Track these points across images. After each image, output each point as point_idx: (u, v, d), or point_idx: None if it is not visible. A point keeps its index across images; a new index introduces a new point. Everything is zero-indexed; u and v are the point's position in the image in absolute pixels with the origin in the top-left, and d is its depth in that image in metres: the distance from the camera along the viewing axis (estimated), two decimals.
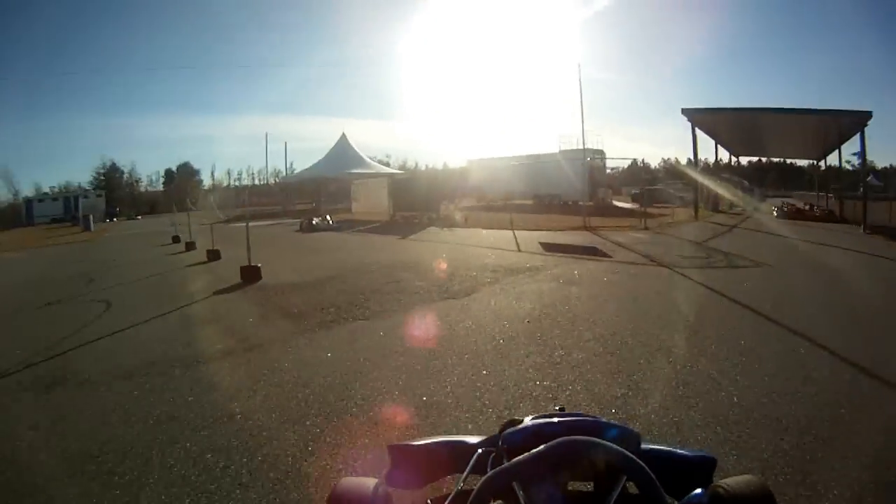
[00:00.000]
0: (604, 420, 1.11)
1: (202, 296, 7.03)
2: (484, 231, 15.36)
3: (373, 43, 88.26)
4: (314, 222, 18.74)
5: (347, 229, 17.53)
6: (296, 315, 5.52)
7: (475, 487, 0.84)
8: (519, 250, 10.31)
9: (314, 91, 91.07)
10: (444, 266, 8.40)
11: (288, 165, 45.96)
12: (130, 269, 10.42)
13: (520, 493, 0.81)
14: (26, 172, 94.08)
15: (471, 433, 1.69)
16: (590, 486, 0.98)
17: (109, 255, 13.70)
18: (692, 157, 24.58)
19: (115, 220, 42.87)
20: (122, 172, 67.24)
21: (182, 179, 65.97)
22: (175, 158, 74.29)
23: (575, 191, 24.50)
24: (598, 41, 71.68)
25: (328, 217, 19.91)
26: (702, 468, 1.15)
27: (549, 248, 10.55)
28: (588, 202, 20.47)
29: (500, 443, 1.03)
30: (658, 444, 1.30)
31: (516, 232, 14.17)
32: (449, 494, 0.97)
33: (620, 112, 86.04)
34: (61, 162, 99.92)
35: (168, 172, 69.15)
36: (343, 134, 33.72)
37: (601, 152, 27.27)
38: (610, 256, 9.32)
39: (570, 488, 1.01)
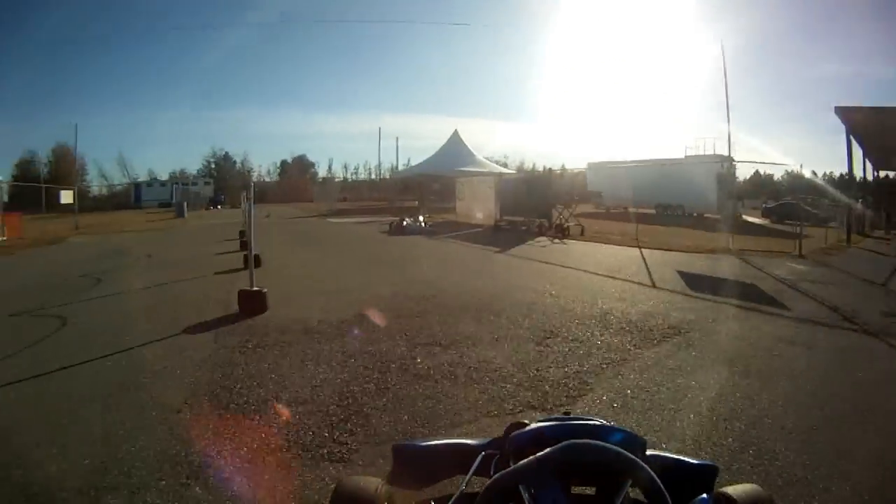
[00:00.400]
0: (609, 424, 1.04)
1: (153, 337, 4.94)
2: (604, 247, 13.13)
3: (493, 41, 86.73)
4: (405, 223, 17.59)
5: (441, 234, 16.33)
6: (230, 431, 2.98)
7: (481, 489, 0.83)
8: (654, 285, 7.89)
9: (431, 90, 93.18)
10: (541, 310, 6.02)
11: (405, 162, 46.79)
12: (149, 271, 9.64)
13: (526, 496, 0.80)
14: (143, 158, 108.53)
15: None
16: (591, 491, 0.94)
17: (160, 248, 13.58)
18: (847, 169, 20.75)
19: (218, 207, 44.79)
20: (234, 162, 70.13)
21: (295, 170, 69.06)
22: (290, 152, 78.38)
23: (702, 202, 21.44)
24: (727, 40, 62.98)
25: (421, 219, 18.75)
26: (704, 475, 1.14)
27: (693, 282, 8.13)
28: (715, 215, 18.27)
29: (505, 445, 1.02)
30: (661, 451, 1.25)
31: (644, 251, 11.85)
32: (452, 496, 0.96)
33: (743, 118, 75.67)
34: (179, 150, 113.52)
35: (283, 164, 72.70)
36: (455, 131, 33.06)
37: (729, 159, 23.60)
38: (786, 308, 6.59)
39: (573, 491, 0.95)
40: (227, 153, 69.66)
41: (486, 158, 34.72)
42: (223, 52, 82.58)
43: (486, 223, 19.44)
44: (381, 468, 2.48)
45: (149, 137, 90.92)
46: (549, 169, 18.07)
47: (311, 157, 73.35)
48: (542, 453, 0.81)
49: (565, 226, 15.89)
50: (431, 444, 1.35)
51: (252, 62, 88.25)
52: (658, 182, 22.97)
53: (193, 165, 67.27)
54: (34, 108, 78.86)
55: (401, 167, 43.46)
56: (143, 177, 57.17)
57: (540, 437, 0.95)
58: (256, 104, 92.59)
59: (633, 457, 0.81)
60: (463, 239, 14.95)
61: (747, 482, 1.00)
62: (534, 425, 1.03)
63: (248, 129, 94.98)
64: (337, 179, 65.08)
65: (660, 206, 23.70)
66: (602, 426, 1.01)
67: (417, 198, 31.73)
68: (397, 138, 72.74)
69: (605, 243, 13.88)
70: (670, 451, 1.33)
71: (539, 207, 17.42)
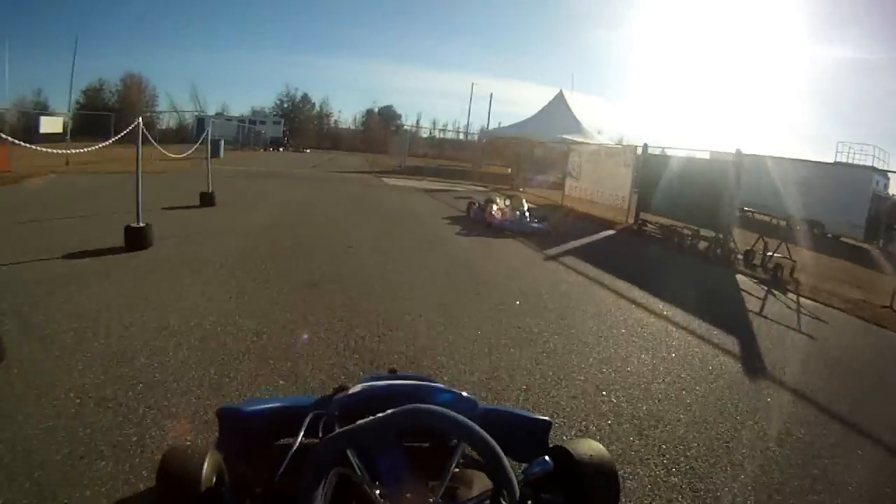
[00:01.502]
0: (438, 385, 1.04)
1: None
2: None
3: (601, 9, 73.94)
4: (496, 211, 9.78)
5: (562, 241, 8.97)
6: None
7: (312, 452, 0.81)
8: None
9: (529, 56, 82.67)
10: None
11: (497, 125, 39.90)
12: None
13: (354, 460, 0.82)
14: (219, 95, 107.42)
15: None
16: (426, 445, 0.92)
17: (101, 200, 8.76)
18: None
19: (279, 150, 41.69)
20: (312, 104, 66.40)
21: (379, 121, 64.24)
22: (375, 103, 74.73)
23: (845, 222, 15.24)
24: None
25: (525, 205, 10.28)
26: (538, 429, 1.20)
27: None
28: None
29: (331, 408, 1.00)
30: (496, 405, 1.35)
31: None
32: (284, 460, 0.96)
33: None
34: (257, 91, 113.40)
35: (369, 113, 68.56)
36: (560, 92, 25.22)
37: (883, 174, 15.90)
38: None
39: (405, 444, 0.94)
40: (305, 94, 65.63)
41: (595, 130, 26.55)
42: None
43: (616, 220, 12.27)
44: None
45: (228, 76, 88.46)
46: (738, 151, 9.79)
47: (399, 110, 68.74)
48: (384, 415, 0.76)
49: (773, 262, 8.38)
50: (258, 409, 1.23)
51: (343, 7, 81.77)
52: (799, 188, 14.91)
53: (270, 105, 64.65)
54: (111, 38, 76.77)
55: (487, 126, 36.42)
56: (217, 109, 55.61)
57: (367, 401, 0.92)
58: (345, 52, 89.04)
59: (470, 424, 0.79)
60: (595, 263, 7.36)
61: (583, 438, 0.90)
62: (359, 386, 1.00)
63: (334, 76, 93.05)
64: (421, 133, 59.23)
65: (790, 218, 15.28)
66: (432, 387, 0.98)
67: (511, 165, 24.70)
68: (491, 94, 64.30)
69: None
70: (505, 406, 1.40)
71: (709, 212, 9.90)
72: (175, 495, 0.91)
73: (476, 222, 10.06)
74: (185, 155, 9.93)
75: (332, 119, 70.14)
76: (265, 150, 39.94)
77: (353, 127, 67.77)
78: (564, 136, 19.93)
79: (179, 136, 44.64)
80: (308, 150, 44.92)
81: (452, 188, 18.00)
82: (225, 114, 53.44)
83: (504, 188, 18.62)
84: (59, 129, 18.41)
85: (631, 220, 12.05)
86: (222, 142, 23.42)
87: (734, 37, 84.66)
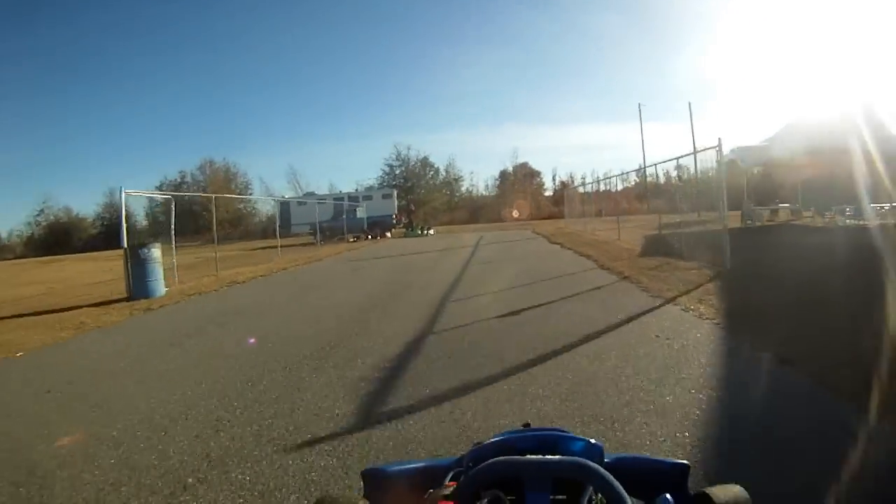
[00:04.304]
0: (569, 434, 0.97)
1: None
2: None
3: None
4: None
5: None
6: None
7: (472, 471, 0.82)
8: None
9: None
10: None
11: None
12: None
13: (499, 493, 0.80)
14: (326, 175, 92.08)
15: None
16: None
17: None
18: None
19: (383, 236, 29.84)
20: (435, 168, 54.33)
21: (516, 180, 52.55)
22: (503, 163, 61.21)
23: None
24: None
25: None
26: (674, 475, 1.00)
27: None
28: None
29: (466, 460, 0.98)
30: (629, 453, 1.24)
31: None
32: None
33: None
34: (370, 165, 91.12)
35: (503, 174, 55.35)
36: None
37: None
38: None
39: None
40: (425, 158, 53.63)
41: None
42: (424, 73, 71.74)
43: None
44: None
45: (330, 152, 73.67)
46: None
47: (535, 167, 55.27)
48: (552, 458, 0.80)
49: None
50: (401, 468, 1.16)
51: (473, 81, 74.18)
52: None
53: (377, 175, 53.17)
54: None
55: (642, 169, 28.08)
56: (322, 191, 42.39)
57: (500, 450, 0.91)
58: (472, 120, 77.53)
59: (582, 461, 0.79)
60: None
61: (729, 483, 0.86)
62: (490, 440, 1.00)
63: (458, 147, 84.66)
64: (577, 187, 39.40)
65: None
66: (563, 436, 0.97)
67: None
68: (639, 103, 40.02)
69: None
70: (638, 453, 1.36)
71: None
72: None
73: None
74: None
75: (464, 185, 56.40)
76: (353, 239, 27.84)
77: (485, 193, 56.35)
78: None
79: (266, 228, 37.79)
80: (431, 231, 31.38)
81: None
82: (315, 192, 40.15)
83: None
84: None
85: None
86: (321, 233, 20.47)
87: None
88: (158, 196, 11.28)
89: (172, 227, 11.13)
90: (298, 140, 71.79)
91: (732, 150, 16.00)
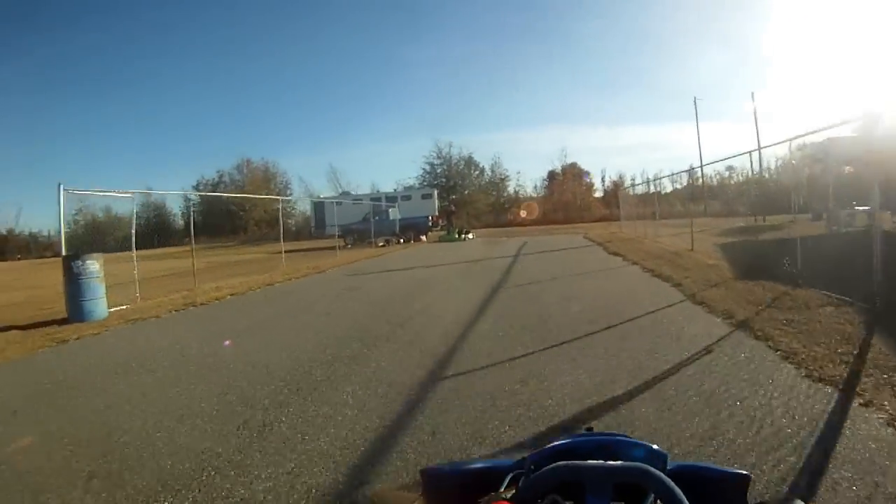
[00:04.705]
0: (631, 439, 0.98)
1: None
2: None
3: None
4: None
5: None
6: None
7: (535, 474, 0.82)
8: None
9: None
10: None
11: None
12: None
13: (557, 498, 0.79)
14: (368, 175, 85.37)
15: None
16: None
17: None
18: None
19: (417, 240, 27.75)
20: (480, 167, 50.40)
21: (563, 181, 49.22)
22: (552, 164, 55.87)
23: None
24: None
25: None
26: (734, 484, 1.01)
27: None
28: None
29: (526, 463, 0.97)
30: (690, 461, 1.22)
31: None
32: None
33: None
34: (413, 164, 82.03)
35: (551, 175, 51.51)
36: None
37: None
38: None
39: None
40: (470, 157, 49.55)
41: None
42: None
43: None
44: None
45: (373, 152, 72.05)
46: None
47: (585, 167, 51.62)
48: (614, 463, 0.80)
49: None
50: (460, 468, 1.20)
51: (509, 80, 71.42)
52: None
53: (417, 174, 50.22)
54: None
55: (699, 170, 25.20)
56: (364, 191, 40.19)
57: (560, 454, 0.93)
58: (516, 122, 76.30)
59: (644, 466, 0.78)
60: None
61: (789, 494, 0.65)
62: (551, 444, 1.01)
63: (504, 147, 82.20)
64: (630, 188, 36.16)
65: None
66: (625, 441, 0.98)
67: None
68: (694, 97, 43.34)
69: None
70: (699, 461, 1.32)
71: None
72: None
73: None
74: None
75: (511, 185, 52.67)
76: (384, 243, 26.01)
77: (533, 194, 52.89)
78: None
79: (307, 227, 37.03)
80: (470, 236, 28.04)
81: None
82: (352, 192, 38.36)
83: None
84: None
85: None
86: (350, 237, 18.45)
87: None
88: (117, 194, 9.47)
89: (133, 230, 9.65)
90: (340, 139, 72.03)
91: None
